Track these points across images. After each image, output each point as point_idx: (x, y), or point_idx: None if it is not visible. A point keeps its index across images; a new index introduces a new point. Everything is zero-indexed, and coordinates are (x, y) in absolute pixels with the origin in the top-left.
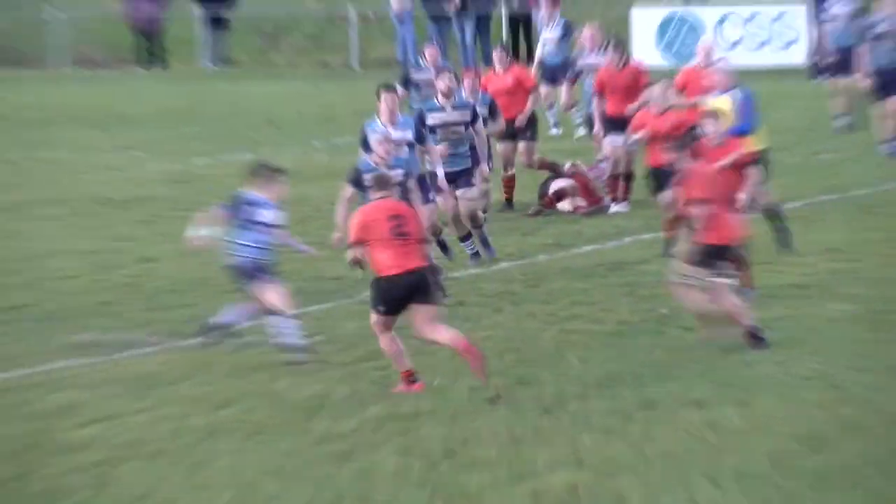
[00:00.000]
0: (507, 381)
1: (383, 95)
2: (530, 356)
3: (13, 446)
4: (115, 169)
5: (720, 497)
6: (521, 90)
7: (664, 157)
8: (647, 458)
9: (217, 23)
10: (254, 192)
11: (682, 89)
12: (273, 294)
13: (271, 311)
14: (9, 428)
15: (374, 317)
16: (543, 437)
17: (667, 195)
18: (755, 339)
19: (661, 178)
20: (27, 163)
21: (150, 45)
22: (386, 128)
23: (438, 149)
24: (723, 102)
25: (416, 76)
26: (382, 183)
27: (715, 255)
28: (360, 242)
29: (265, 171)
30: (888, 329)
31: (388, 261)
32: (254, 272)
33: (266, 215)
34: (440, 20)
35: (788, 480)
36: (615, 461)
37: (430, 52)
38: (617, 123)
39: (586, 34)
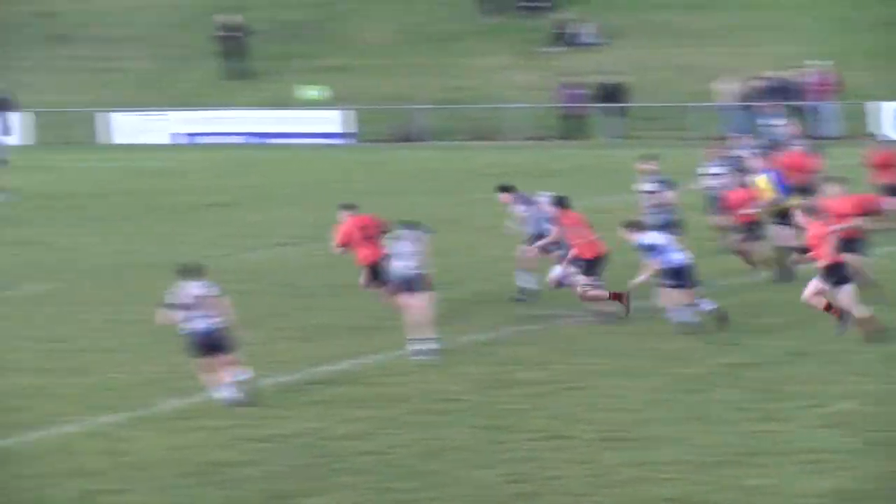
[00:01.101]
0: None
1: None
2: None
3: (477, 381)
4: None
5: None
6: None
7: None
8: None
9: (612, 111)
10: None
11: None
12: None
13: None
14: (478, 370)
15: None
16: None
17: None
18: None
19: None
20: (483, 203)
21: (574, 127)
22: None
23: None
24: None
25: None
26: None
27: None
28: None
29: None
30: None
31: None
32: None
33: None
34: (746, 109)
35: None
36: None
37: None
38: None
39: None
